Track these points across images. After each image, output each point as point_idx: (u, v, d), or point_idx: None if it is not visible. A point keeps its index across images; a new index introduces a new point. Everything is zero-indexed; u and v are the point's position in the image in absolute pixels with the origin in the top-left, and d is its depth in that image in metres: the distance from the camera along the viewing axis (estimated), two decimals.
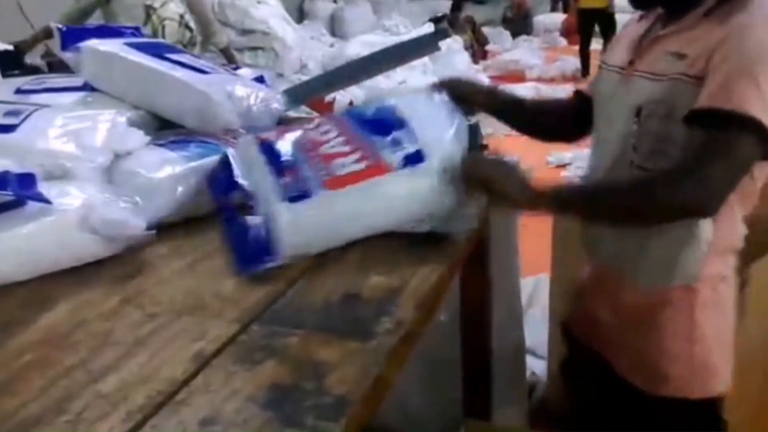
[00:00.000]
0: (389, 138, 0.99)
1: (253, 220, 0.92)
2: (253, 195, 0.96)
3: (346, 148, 0.99)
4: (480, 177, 0.95)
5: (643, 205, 0.96)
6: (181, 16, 3.13)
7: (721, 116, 0.90)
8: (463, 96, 1.17)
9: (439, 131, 0.99)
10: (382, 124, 1.04)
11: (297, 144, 1.05)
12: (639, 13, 1.12)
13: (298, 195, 0.91)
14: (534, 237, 1.78)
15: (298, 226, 0.90)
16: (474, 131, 1.35)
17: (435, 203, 0.94)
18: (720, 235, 1.02)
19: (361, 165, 0.95)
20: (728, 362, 1.10)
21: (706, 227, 1.00)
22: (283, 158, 1.01)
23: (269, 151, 1.04)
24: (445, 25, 1.47)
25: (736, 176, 0.93)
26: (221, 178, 1.06)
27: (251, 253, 0.88)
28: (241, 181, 1.00)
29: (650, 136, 0.99)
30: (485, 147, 1.37)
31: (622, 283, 1.11)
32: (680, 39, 0.98)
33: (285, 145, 1.05)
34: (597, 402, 1.22)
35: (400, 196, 0.94)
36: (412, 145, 0.96)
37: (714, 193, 0.92)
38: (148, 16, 3.02)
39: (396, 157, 0.95)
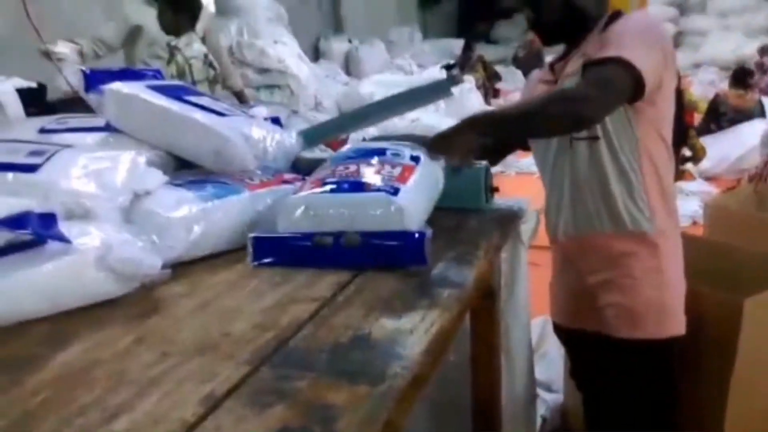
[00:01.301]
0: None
1: None
2: None
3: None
4: (434, 142, 1.23)
5: (543, 114, 1.23)
6: (206, 56, 3.24)
7: (600, 60, 1.23)
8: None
9: None
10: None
11: None
12: (536, 71, 1.55)
13: None
14: (544, 277, 1.79)
15: None
16: (486, 174, 1.38)
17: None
18: (650, 190, 1.33)
19: None
20: (682, 307, 1.39)
21: (636, 182, 1.33)
22: None
23: None
24: (457, 71, 1.52)
25: (609, 97, 1.22)
26: None
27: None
28: None
29: None
30: (496, 189, 1.39)
31: (588, 241, 1.39)
32: (583, 50, 1.35)
33: None
34: (593, 372, 1.48)
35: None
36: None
37: (593, 105, 1.20)
38: (172, 56, 3.11)
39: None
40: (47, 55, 2.62)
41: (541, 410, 1.97)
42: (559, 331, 1.56)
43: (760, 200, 2.39)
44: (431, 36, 10.07)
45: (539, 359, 2.16)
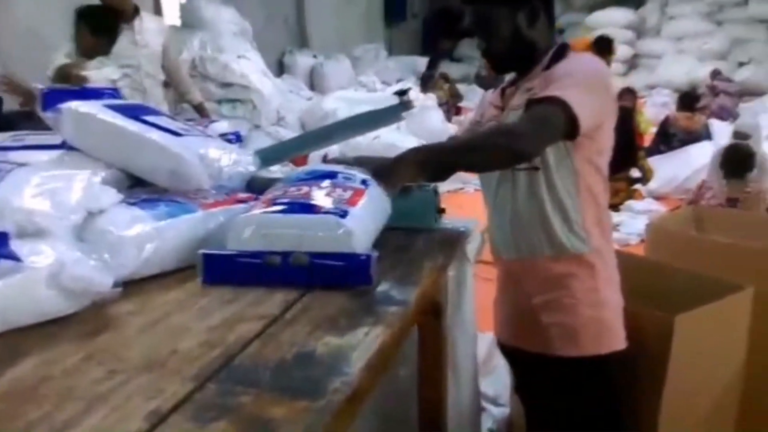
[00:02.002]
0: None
1: None
2: None
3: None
4: (375, 170, 1.26)
5: (483, 149, 1.30)
6: (114, 81, 3.12)
7: (542, 99, 1.30)
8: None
9: None
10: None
11: None
12: (491, 91, 1.62)
13: None
14: (494, 292, 1.85)
15: None
16: (434, 195, 1.43)
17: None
18: (586, 216, 1.41)
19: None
20: (622, 323, 1.47)
21: (573, 210, 1.40)
22: None
23: None
24: (407, 97, 1.55)
25: (545, 134, 1.30)
26: None
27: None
28: None
29: None
30: (443, 211, 1.45)
31: (528, 262, 1.46)
32: (529, 83, 1.43)
33: None
34: (536, 389, 1.54)
35: None
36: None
37: (529, 141, 1.28)
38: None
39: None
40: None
41: (488, 423, 2.03)
42: (503, 347, 1.62)
43: (699, 221, 2.51)
44: (396, 53, 10.20)
45: (487, 373, 2.22)
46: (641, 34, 10.88)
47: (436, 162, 1.29)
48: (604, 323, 1.44)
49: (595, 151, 1.41)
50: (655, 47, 10.43)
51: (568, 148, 1.38)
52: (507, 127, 1.38)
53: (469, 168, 1.42)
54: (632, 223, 4.44)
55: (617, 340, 1.46)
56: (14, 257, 0.93)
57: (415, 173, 1.25)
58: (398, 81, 7.07)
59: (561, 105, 1.28)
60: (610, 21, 10.36)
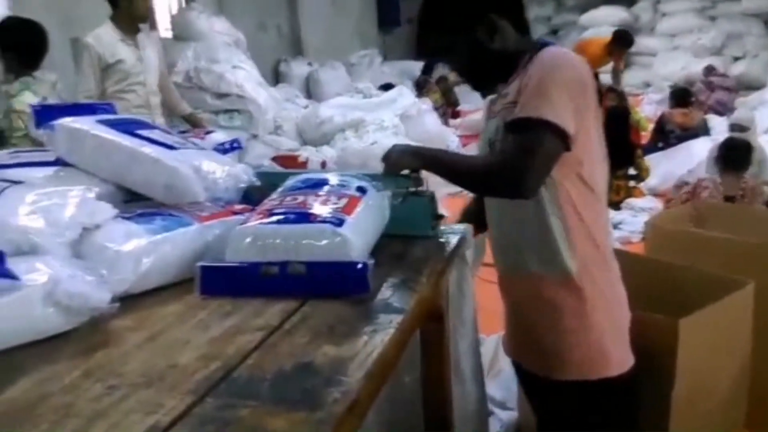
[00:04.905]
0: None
1: None
2: None
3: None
4: (387, 161, 1.32)
5: (477, 183, 1.36)
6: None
7: (523, 122, 1.27)
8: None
9: None
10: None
11: None
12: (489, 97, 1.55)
13: None
14: (497, 294, 1.84)
15: None
16: (431, 202, 1.43)
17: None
18: (572, 233, 1.34)
19: None
20: (623, 346, 1.40)
21: (557, 227, 1.34)
22: None
23: None
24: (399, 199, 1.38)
25: (545, 165, 1.27)
26: None
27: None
28: None
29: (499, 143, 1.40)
30: (441, 217, 1.45)
31: (518, 277, 1.43)
32: (507, 88, 1.40)
33: None
34: (537, 406, 1.53)
35: None
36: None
37: (525, 180, 1.25)
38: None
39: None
40: None
41: (496, 428, 2.02)
42: (506, 351, 1.61)
43: (698, 217, 2.50)
44: (391, 58, 10.22)
45: (493, 377, 2.22)
46: (635, 32, 10.89)
47: (431, 156, 1.34)
48: (592, 349, 1.37)
49: (577, 162, 1.32)
50: (650, 44, 10.43)
51: None
52: (501, 165, 1.30)
53: (454, 182, 1.39)
54: (633, 221, 4.44)
55: (611, 366, 1.37)
56: (11, 276, 0.93)
57: (410, 159, 1.32)
58: (398, 86, 7.04)
59: (542, 125, 1.24)
60: (604, 19, 10.38)
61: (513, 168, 1.27)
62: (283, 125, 5.68)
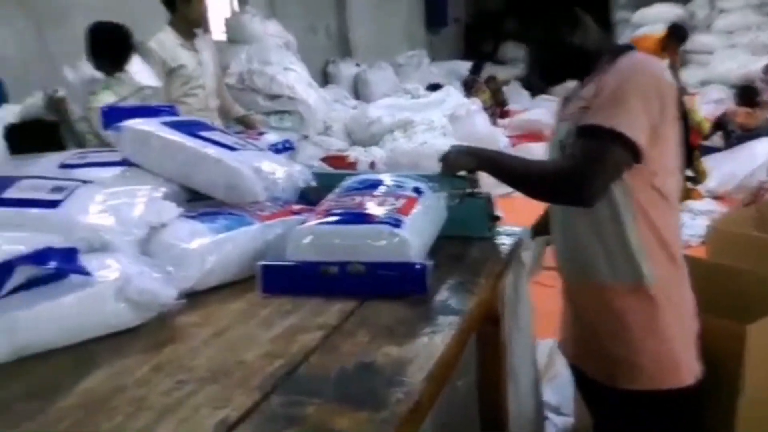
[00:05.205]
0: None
1: None
2: None
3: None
4: (445, 162, 1.32)
5: (536, 188, 1.30)
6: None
7: (595, 129, 1.23)
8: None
9: None
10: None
11: None
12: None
13: None
14: (553, 298, 1.82)
15: None
16: (488, 204, 1.42)
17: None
18: (645, 240, 1.31)
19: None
20: (692, 355, 1.36)
21: (631, 235, 1.30)
22: None
23: None
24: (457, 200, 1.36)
25: (609, 175, 1.25)
26: None
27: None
28: None
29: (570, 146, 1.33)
30: (498, 218, 1.44)
31: (585, 284, 1.39)
32: (584, 91, 1.35)
33: None
34: (596, 412, 1.51)
35: None
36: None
37: (589, 188, 1.23)
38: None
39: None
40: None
41: None
42: (566, 356, 1.58)
43: (761, 221, 2.41)
44: (439, 58, 10.19)
45: (548, 381, 2.18)
46: (691, 29, 10.57)
47: (488, 158, 1.33)
48: (663, 358, 1.33)
49: (652, 171, 1.28)
50: (706, 42, 10.09)
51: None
52: (564, 171, 1.27)
53: (516, 188, 1.34)
54: (693, 224, 4.29)
55: (682, 375, 1.34)
56: (84, 272, 0.96)
57: (468, 159, 1.32)
58: (446, 86, 7.01)
59: (613, 135, 1.20)
60: (658, 17, 10.09)
61: (576, 175, 1.24)
62: (332, 126, 5.73)
